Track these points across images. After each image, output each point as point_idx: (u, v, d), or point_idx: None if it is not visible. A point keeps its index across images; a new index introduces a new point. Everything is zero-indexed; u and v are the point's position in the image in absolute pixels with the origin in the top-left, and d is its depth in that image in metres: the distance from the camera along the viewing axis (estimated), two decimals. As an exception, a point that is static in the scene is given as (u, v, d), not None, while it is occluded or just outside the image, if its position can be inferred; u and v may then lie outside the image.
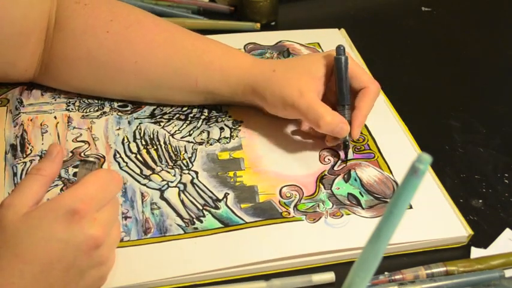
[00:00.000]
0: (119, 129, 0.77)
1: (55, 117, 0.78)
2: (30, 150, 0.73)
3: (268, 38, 0.94)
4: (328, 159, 0.74)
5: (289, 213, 0.67)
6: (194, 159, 0.73)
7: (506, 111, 0.85)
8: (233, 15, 1.01)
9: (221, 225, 0.66)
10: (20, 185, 0.56)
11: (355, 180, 0.72)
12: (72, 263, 0.53)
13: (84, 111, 0.79)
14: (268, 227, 0.66)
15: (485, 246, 0.66)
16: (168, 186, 0.70)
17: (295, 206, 0.68)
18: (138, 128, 0.77)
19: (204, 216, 0.67)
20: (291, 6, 1.05)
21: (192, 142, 0.76)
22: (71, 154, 0.73)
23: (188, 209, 0.67)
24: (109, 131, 0.77)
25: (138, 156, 0.74)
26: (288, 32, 0.96)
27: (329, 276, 0.62)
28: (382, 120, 0.80)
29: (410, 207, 0.68)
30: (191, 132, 0.77)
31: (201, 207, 0.68)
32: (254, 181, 0.71)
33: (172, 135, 0.77)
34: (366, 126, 0.79)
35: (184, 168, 0.72)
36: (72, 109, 0.79)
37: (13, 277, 0.51)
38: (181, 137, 0.77)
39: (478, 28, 1.03)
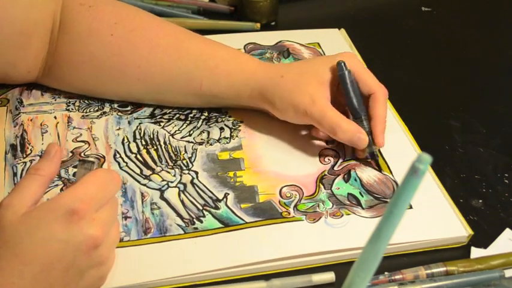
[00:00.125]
0: (119, 129, 0.77)
1: (55, 117, 0.78)
2: (30, 150, 0.73)
3: (268, 38, 0.94)
4: (328, 159, 0.74)
5: (289, 213, 0.67)
6: (194, 159, 0.73)
7: (506, 111, 0.85)
8: (233, 15, 1.01)
9: (221, 225, 0.66)
10: (18, 185, 0.56)
11: (355, 180, 0.72)
12: (72, 263, 0.53)
13: (84, 111, 0.79)
14: (268, 227, 0.66)
15: (485, 246, 0.66)
16: (168, 186, 0.70)
17: (295, 206, 0.68)
18: (138, 128, 0.77)
19: (204, 216, 0.67)
20: (291, 6, 1.05)
21: (192, 142, 0.76)
22: (71, 154, 0.73)
23: (188, 209, 0.67)
24: (109, 131, 0.77)
25: (138, 156, 0.74)
26: (288, 32, 0.96)
27: (329, 276, 0.62)
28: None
29: (410, 207, 0.68)
30: (191, 132, 0.77)
31: (201, 207, 0.68)
32: (254, 181, 0.71)
33: (172, 135, 0.77)
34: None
35: (184, 168, 0.72)
36: (72, 109, 0.79)
37: (13, 277, 0.51)
38: (181, 137, 0.76)
39: (478, 28, 1.03)
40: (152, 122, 0.78)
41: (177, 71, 0.75)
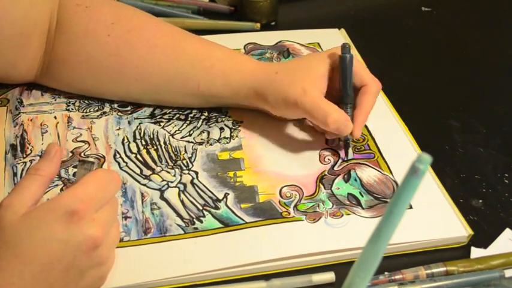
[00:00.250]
0: (119, 129, 0.77)
1: (55, 117, 0.78)
2: (30, 150, 0.73)
3: (268, 38, 0.94)
4: (328, 159, 0.74)
5: (289, 213, 0.67)
6: (194, 159, 0.73)
7: (506, 111, 0.85)
8: (233, 15, 1.01)
9: (221, 225, 0.66)
10: (18, 185, 0.56)
11: (355, 180, 0.72)
12: (72, 263, 0.53)
13: (84, 111, 0.79)
14: (268, 227, 0.66)
15: (485, 246, 0.66)
16: (168, 187, 0.70)
17: (295, 206, 0.68)
18: (138, 128, 0.77)
19: (204, 216, 0.67)
20: (291, 6, 1.05)
21: (192, 142, 0.76)
22: (71, 154, 0.73)
23: (188, 209, 0.67)
24: (109, 131, 0.77)
25: (138, 156, 0.74)
26: (288, 32, 0.96)
27: (329, 276, 0.62)
28: (382, 120, 0.80)
29: (410, 207, 0.68)
30: (191, 132, 0.77)
31: (201, 207, 0.68)
32: (254, 181, 0.71)
33: (172, 135, 0.77)
34: (366, 126, 0.79)
35: (184, 168, 0.72)
36: (72, 109, 0.79)
37: (13, 277, 0.51)
38: (181, 137, 0.77)
39: (478, 28, 1.03)
40: (152, 122, 0.78)
41: (174, 71, 0.76)
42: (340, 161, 0.74)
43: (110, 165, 0.72)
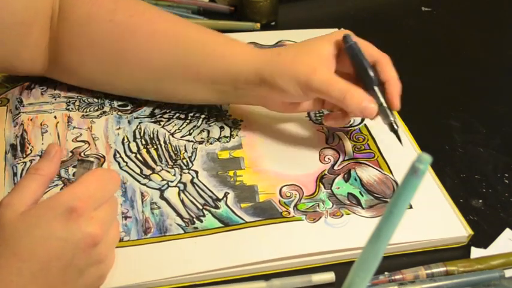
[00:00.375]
0: (119, 128, 0.77)
1: (55, 117, 0.78)
2: (30, 150, 0.73)
3: (268, 38, 0.94)
4: (328, 159, 0.74)
5: (289, 213, 0.67)
6: (194, 159, 0.73)
7: (506, 111, 0.85)
8: (233, 15, 1.01)
9: (221, 225, 0.66)
10: (18, 184, 0.56)
11: (355, 179, 0.72)
12: (71, 261, 0.53)
13: (84, 110, 0.79)
14: (268, 227, 0.66)
15: (485, 246, 0.66)
16: (168, 186, 0.70)
17: (295, 205, 0.68)
18: (138, 127, 0.77)
19: (204, 215, 0.67)
20: (291, 6, 1.05)
21: (192, 141, 0.76)
22: (71, 154, 0.73)
23: (188, 208, 0.67)
24: (109, 130, 0.77)
25: (138, 155, 0.74)
26: (288, 32, 0.96)
27: (329, 276, 0.62)
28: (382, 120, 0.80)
29: (411, 207, 0.68)
30: (191, 131, 0.77)
31: (201, 207, 0.68)
32: (254, 180, 0.71)
33: (172, 134, 0.77)
34: (365, 126, 0.79)
35: (184, 167, 0.72)
36: (72, 109, 0.79)
37: (11, 275, 0.51)
38: (181, 136, 0.77)
39: (478, 28, 1.03)
40: (152, 122, 0.78)
41: (176, 56, 0.75)
42: (340, 160, 0.74)
43: (110, 165, 0.72)
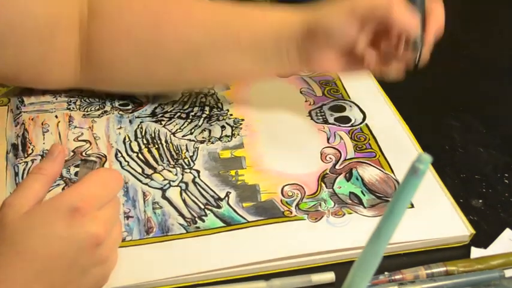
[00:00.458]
0: (120, 128, 0.77)
1: (56, 117, 0.78)
2: (32, 149, 0.74)
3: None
4: (330, 158, 0.74)
5: (291, 212, 0.67)
6: (196, 158, 0.74)
7: (506, 111, 0.85)
8: (234, 15, 1.01)
9: (223, 225, 0.66)
10: (21, 184, 0.56)
11: (357, 179, 0.72)
12: (74, 260, 0.53)
13: (85, 110, 0.79)
14: (270, 226, 0.66)
15: (485, 246, 0.66)
16: (170, 186, 0.70)
17: (297, 205, 0.68)
18: (140, 126, 0.78)
19: (205, 215, 0.67)
20: (291, 6, 1.05)
21: (193, 141, 0.76)
22: (72, 153, 0.73)
23: (190, 208, 0.68)
24: (110, 130, 0.77)
25: (140, 155, 0.74)
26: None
27: (329, 276, 0.62)
28: (383, 119, 0.80)
29: (412, 206, 0.68)
30: (192, 130, 0.78)
31: (202, 206, 0.68)
32: (256, 180, 0.71)
33: (173, 133, 0.77)
34: (367, 125, 0.79)
35: (186, 167, 0.73)
36: (73, 108, 0.80)
37: (15, 274, 0.52)
38: (183, 136, 0.77)
39: (478, 28, 1.03)
40: (153, 121, 0.78)
41: (214, 26, 0.74)
42: (341, 159, 0.74)
43: (112, 165, 0.72)
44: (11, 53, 0.73)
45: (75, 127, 0.77)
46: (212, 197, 0.69)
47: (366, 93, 0.85)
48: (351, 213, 0.67)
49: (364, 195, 0.70)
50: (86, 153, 0.73)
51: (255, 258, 0.62)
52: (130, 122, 0.78)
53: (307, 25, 0.70)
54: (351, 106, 0.83)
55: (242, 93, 0.84)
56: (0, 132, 0.75)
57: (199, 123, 0.79)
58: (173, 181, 0.71)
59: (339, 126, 0.79)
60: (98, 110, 0.80)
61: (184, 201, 0.68)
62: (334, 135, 0.78)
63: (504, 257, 0.64)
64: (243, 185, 0.71)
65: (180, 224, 0.66)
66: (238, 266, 0.62)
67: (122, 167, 0.72)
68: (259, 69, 0.75)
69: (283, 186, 0.70)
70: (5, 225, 0.53)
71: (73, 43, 0.75)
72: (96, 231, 0.54)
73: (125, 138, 0.76)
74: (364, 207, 0.68)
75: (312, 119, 0.80)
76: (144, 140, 0.76)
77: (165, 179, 0.71)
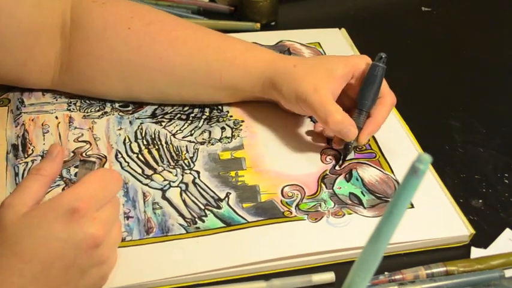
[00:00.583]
0: (120, 129, 0.77)
1: (56, 117, 0.78)
2: (32, 150, 0.74)
3: (268, 38, 0.94)
4: (330, 159, 0.74)
5: (291, 213, 0.67)
6: (196, 159, 0.74)
7: (506, 111, 0.85)
8: (233, 15, 1.01)
9: (223, 225, 0.66)
10: (20, 185, 0.56)
11: (357, 179, 0.72)
12: (72, 261, 0.53)
13: (86, 111, 0.79)
14: (270, 227, 0.66)
15: (485, 246, 0.66)
16: (170, 186, 0.70)
17: (297, 205, 0.68)
18: (140, 128, 0.78)
19: (206, 215, 0.67)
20: (291, 6, 1.05)
21: (193, 142, 0.76)
22: (72, 154, 0.73)
23: (190, 208, 0.68)
24: (110, 131, 0.77)
25: (140, 156, 0.74)
26: (288, 32, 0.96)
27: (329, 276, 0.62)
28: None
29: (412, 206, 0.68)
30: (192, 132, 0.78)
31: (203, 207, 0.68)
32: (256, 181, 0.71)
33: (173, 135, 0.77)
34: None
35: (186, 168, 0.73)
36: (73, 109, 0.80)
37: (13, 276, 0.52)
38: (183, 137, 0.77)
39: (478, 28, 1.03)
40: (153, 122, 0.78)
41: (198, 62, 0.76)
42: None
43: (112, 165, 0.72)
44: None
45: (75, 128, 0.77)
46: (212, 197, 0.69)
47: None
48: (350, 213, 0.68)
49: (364, 195, 0.70)
50: (86, 154, 0.73)
51: (255, 258, 0.62)
52: (130, 123, 0.78)
53: (276, 85, 0.75)
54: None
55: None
56: (0, 132, 0.75)
57: (200, 125, 0.79)
58: (173, 182, 0.71)
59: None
60: (98, 111, 0.80)
61: (184, 201, 0.68)
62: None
63: (504, 257, 0.64)
64: (243, 186, 0.71)
65: (180, 224, 0.66)
66: (238, 266, 0.62)
67: (122, 167, 0.72)
68: (236, 100, 0.81)
69: (283, 187, 0.70)
70: (4, 226, 0.53)
71: (54, 50, 0.76)
72: (95, 232, 0.54)
73: (125, 139, 0.76)
74: (364, 208, 0.68)
75: (312, 120, 0.80)
76: (144, 141, 0.76)
77: (165, 180, 0.71)
